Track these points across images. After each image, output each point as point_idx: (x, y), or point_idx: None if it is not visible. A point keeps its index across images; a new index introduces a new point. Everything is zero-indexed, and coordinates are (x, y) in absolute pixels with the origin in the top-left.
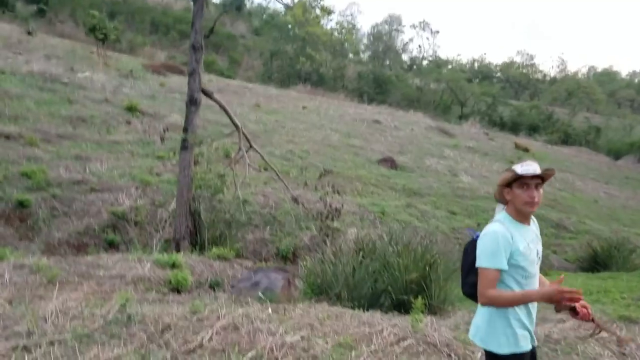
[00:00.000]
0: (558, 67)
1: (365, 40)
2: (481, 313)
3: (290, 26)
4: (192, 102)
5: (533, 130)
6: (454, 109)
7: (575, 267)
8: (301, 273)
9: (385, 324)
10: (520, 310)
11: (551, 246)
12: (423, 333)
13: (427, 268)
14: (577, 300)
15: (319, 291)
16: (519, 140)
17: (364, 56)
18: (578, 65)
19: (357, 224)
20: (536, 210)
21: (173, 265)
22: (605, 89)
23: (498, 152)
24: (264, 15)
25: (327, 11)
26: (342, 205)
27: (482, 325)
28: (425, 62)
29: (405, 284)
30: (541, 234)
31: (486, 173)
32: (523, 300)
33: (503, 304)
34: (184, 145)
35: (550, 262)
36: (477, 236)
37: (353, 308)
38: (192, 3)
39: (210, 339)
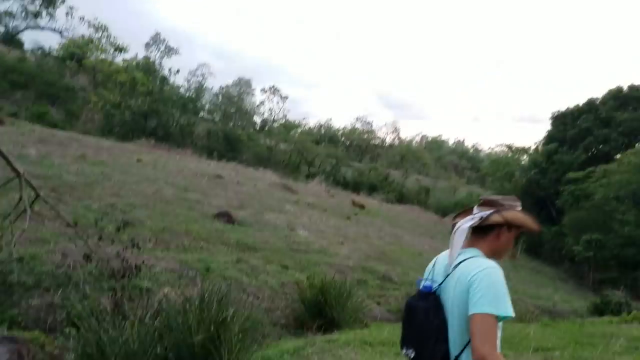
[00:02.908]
0: (392, 133)
1: (215, 101)
2: None
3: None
4: None
5: (372, 189)
6: (303, 169)
7: (397, 318)
8: (72, 342)
9: None
10: None
11: (376, 297)
12: None
13: (215, 328)
14: None
15: None
16: (357, 198)
17: (215, 115)
18: (412, 133)
19: (174, 283)
20: (367, 263)
21: None
22: (433, 154)
23: (336, 208)
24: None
25: (120, 49)
26: (143, 262)
27: None
28: (275, 124)
29: (192, 347)
30: (368, 286)
31: (323, 227)
32: None
33: None
34: None
35: (373, 313)
36: (430, 289)
37: None
38: (27, 53)
39: None
